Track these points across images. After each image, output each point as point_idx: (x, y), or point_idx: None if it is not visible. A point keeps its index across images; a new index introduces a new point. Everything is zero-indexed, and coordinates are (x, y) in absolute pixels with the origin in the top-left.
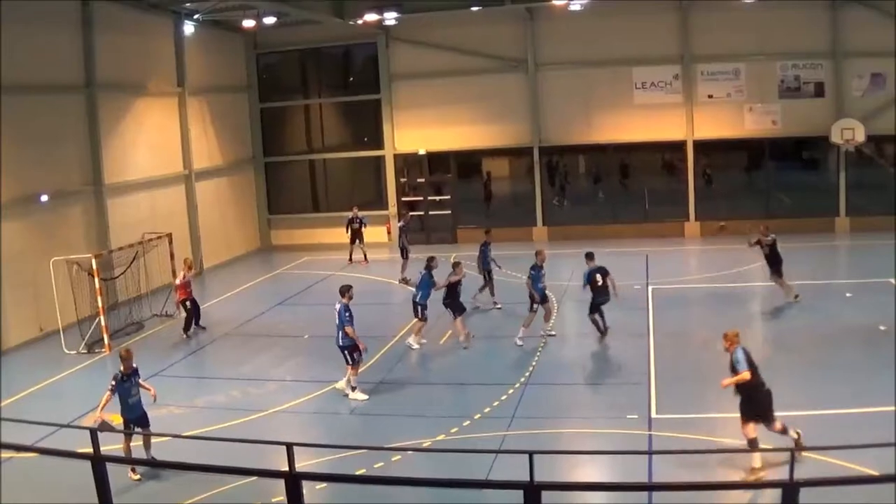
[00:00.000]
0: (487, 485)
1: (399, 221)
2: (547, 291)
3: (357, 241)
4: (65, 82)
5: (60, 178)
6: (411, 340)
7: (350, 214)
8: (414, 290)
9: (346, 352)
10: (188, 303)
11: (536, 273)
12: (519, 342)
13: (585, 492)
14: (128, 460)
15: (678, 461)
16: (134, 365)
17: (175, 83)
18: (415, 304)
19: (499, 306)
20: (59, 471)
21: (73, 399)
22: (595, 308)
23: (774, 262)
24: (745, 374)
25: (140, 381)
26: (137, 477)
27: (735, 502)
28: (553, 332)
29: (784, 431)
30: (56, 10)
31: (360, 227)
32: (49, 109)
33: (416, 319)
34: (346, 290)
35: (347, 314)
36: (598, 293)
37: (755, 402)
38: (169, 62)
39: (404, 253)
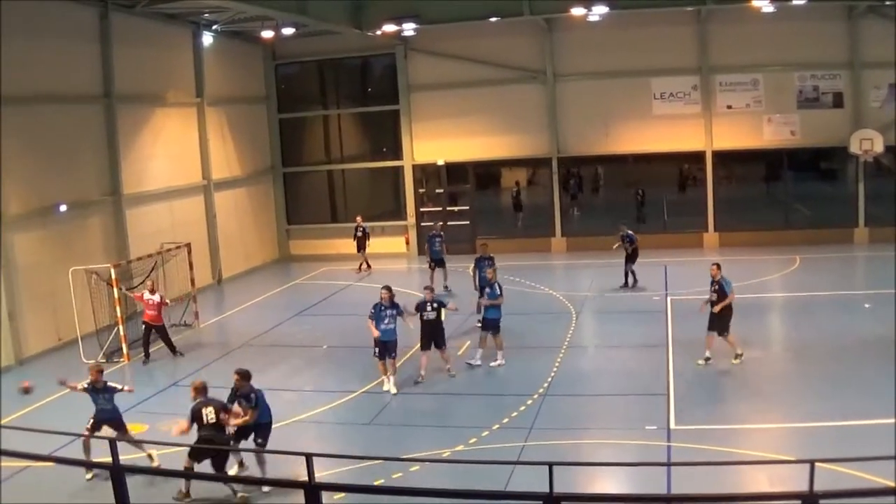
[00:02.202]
0: (507, 496)
1: (431, 231)
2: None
3: (361, 249)
4: (83, 93)
5: (79, 189)
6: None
7: (355, 224)
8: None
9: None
10: (153, 330)
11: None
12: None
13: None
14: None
15: (697, 472)
16: (105, 381)
17: (194, 94)
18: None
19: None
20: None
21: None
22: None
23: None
24: (733, 296)
25: (124, 388)
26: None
27: None
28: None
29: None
30: (75, 22)
31: (364, 235)
32: (67, 120)
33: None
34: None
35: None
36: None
37: (725, 319)
38: (187, 73)
39: (439, 263)
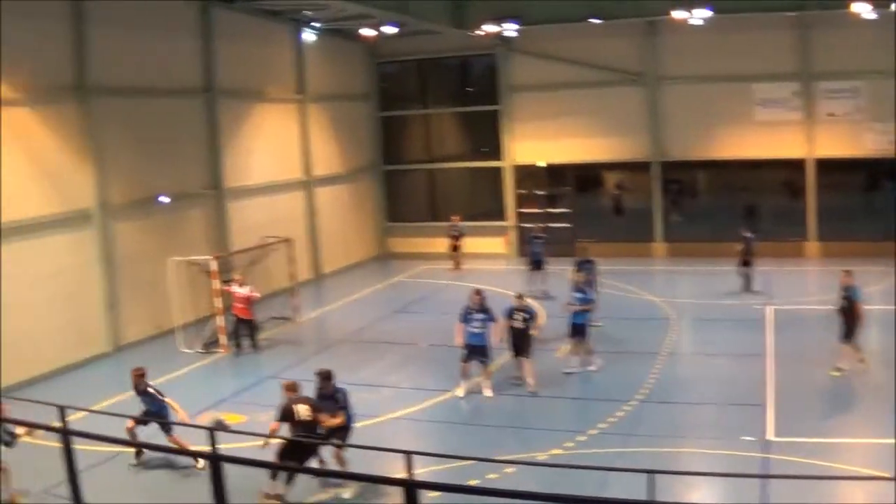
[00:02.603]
0: (604, 502)
1: (533, 232)
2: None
3: (455, 249)
4: (185, 87)
5: (181, 181)
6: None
7: (450, 224)
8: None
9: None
10: (242, 324)
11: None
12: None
13: None
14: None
15: (792, 485)
16: (147, 384)
17: (295, 90)
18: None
19: (600, 324)
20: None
21: (188, 398)
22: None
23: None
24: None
25: (165, 398)
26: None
27: None
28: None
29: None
30: (177, 17)
31: (459, 236)
32: (170, 113)
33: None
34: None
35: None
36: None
37: (852, 327)
38: (289, 69)
39: (538, 265)
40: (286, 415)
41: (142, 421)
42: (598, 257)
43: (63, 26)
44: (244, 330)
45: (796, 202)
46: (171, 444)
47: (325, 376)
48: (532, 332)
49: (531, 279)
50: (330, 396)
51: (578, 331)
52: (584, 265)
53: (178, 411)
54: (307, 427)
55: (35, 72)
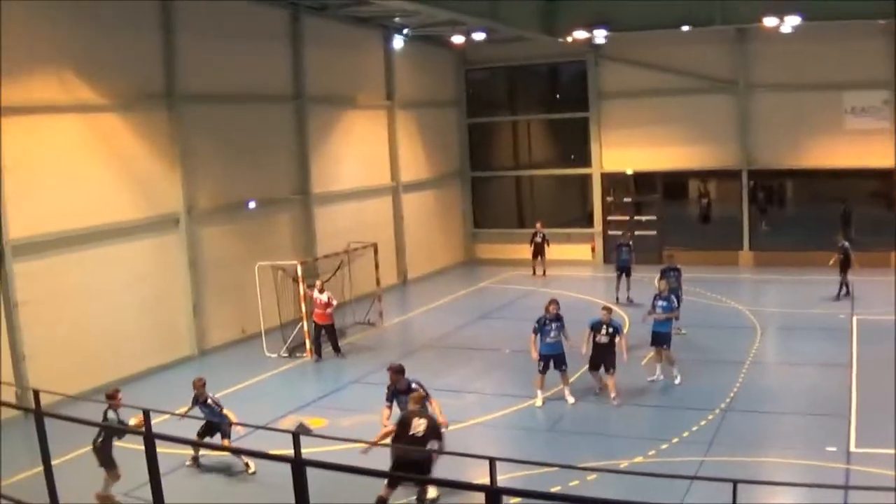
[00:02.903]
0: None
1: (620, 240)
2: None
3: (539, 256)
4: (275, 93)
5: (268, 186)
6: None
7: (533, 230)
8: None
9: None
10: (322, 329)
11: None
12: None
13: None
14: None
15: (875, 497)
16: (207, 394)
17: (384, 96)
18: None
19: (683, 331)
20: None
21: (272, 401)
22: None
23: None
24: None
25: (225, 410)
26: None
27: None
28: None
29: None
30: (268, 24)
31: (543, 242)
32: (259, 119)
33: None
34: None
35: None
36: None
37: None
38: (378, 76)
39: (626, 272)
40: (401, 425)
41: (205, 434)
42: (684, 265)
43: (153, 33)
44: (324, 335)
45: (885, 212)
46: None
47: (398, 370)
48: (619, 347)
49: (618, 286)
50: (405, 391)
51: (662, 339)
52: (670, 273)
53: (234, 421)
54: (416, 444)
55: (125, 78)
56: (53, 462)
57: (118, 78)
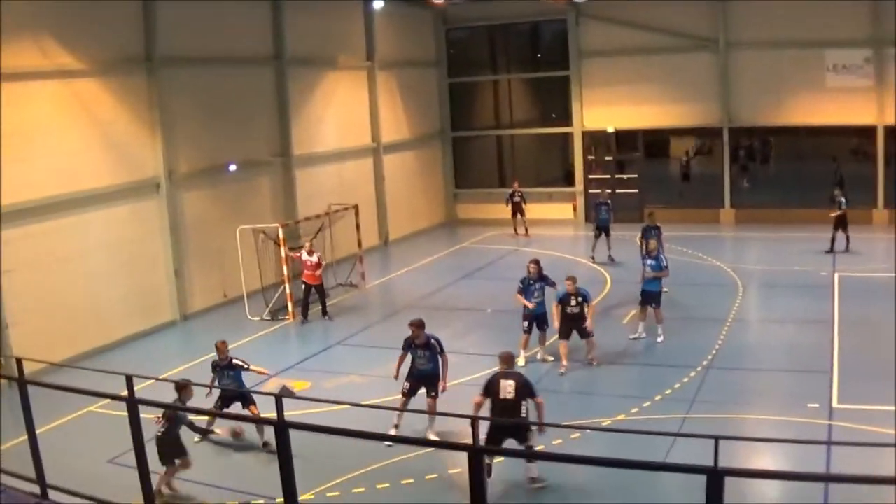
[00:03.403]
0: (669, 468)
1: (599, 198)
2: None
3: (518, 214)
4: (255, 55)
5: (249, 149)
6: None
7: (510, 190)
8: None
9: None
10: (312, 289)
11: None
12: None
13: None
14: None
15: (857, 453)
16: (230, 356)
17: (364, 57)
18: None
19: (665, 290)
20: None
21: (255, 365)
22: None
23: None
24: None
25: (252, 367)
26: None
27: None
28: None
29: None
30: None
31: (521, 201)
32: (239, 81)
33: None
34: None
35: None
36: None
37: None
38: (358, 37)
39: (605, 231)
40: (489, 388)
41: (226, 401)
42: (665, 223)
43: None
44: (314, 296)
45: (866, 170)
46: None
47: (419, 325)
48: (588, 315)
49: (594, 245)
50: (425, 345)
51: (651, 297)
52: (650, 231)
53: (264, 372)
54: (508, 407)
55: (104, 43)
56: (38, 431)
57: (97, 43)
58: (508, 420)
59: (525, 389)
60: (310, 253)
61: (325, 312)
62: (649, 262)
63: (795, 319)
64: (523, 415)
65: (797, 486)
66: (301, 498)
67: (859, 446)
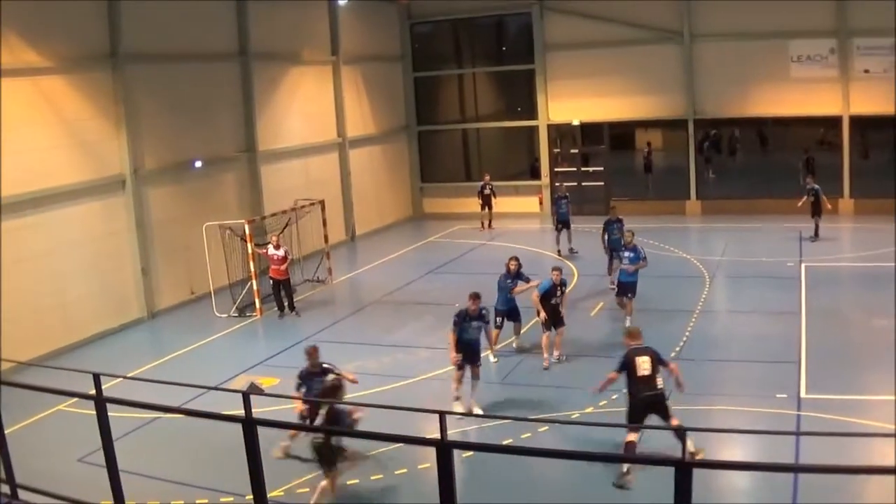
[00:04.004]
0: (638, 460)
1: (558, 193)
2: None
3: (487, 207)
4: (220, 51)
5: (214, 145)
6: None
7: (482, 182)
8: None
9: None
10: (280, 285)
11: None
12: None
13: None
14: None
15: (826, 442)
16: (321, 362)
17: (329, 52)
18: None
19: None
20: (203, 432)
21: (223, 362)
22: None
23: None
24: None
25: (340, 372)
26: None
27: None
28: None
29: None
30: None
31: (491, 194)
32: (204, 77)
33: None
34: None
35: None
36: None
37: None
38: (323, 31)
39: (565, 224)
40: (627, 367)
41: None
42: (632, 215)
43: None
44: (283, 291)
45: (831, 159)
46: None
47: (477, 296)
48: (564, 302)
49: (558, 239)
50: (478, 317)
51: (627, 288)
52: (612, 225)
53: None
54: (646, 381)
55: (69, 40)
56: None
57: (62, 40)
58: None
59: (658, 361)
60: (276, 247)
61: (292, 307)
62: (627, 254)
63: (763, 310)
64: (660, 387)
65: (767, 476)
66: (270, 495)
67: (828, 436)
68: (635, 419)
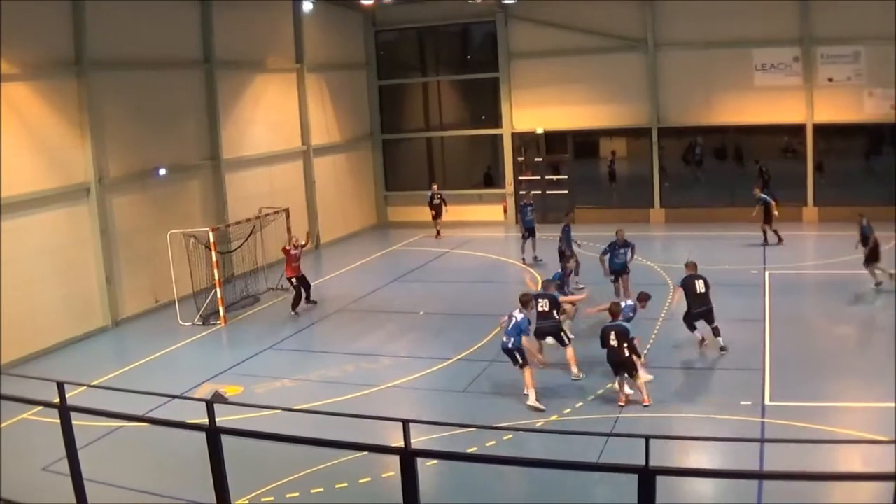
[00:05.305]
0: (601, 468)
1: (523, 201)
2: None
3: (437, 216)
4: (184, 58)
5: (178, 153)
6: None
7: (430, 192)
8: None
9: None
10: (295, 280)
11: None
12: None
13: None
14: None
15: (790, 449)
16: None
17: (293, 60)
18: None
19: (581, 286)
20: (167, 441)
21: (188, 370)
22: (692, 318)
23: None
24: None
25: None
26: None
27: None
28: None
29: None
30: None
31: (441, 203)
32: (168, 85)
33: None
34: (527, 302)
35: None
36: (695, 303)
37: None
38: (287, 39)
39: (531, 232)
40: (686, 287)
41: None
42: (597, 223)
43: (61, 0)
44: (303, 285)
45: (795, 167)
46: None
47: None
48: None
49: (523, 248)
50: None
51: (622, 270)
52: (618, 248)
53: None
54: (701, 297)
55: (33, 46)
56: None
57: (26, 46)
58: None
59: (710, 284)
60: (295, 246)
61: (308, 298)
62: (622, 250)
63: (727, 317)
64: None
65: (731, 484)
66: (234, 503)
67: (792, 443)
68: (689, 323)
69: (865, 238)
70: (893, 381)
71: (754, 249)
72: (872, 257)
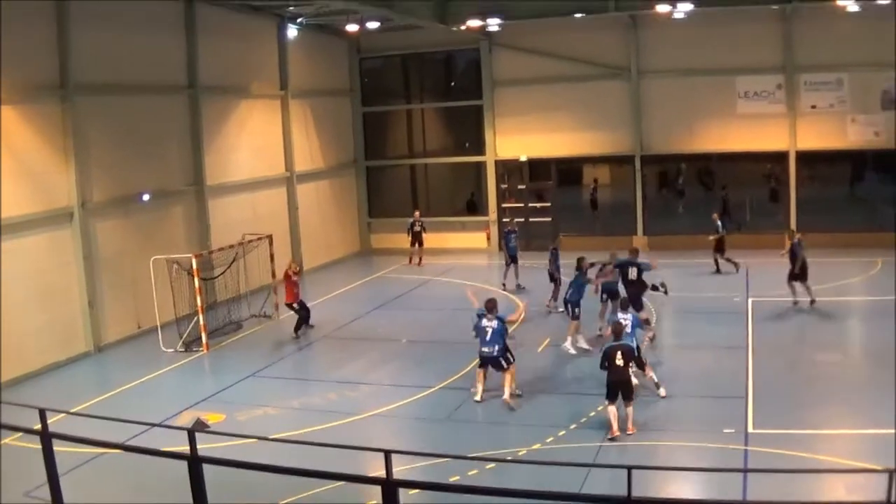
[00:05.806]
0: (584, 498)
1: (507, 228)
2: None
3: (417, 244)
4: (168, 84)
5: (162, 178)
6: (568, 344)
7: (412, 219)
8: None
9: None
10: (296, 304)
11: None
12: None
13: None
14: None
15: (774, 478)
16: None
17: (278, 86)
18: (566, 302)
19: (560, 309)
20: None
21: (170, 397)
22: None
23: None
24: None
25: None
26: None
27: None
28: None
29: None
30: (160, 13)
31: (421, 230)
32: (152, 110)
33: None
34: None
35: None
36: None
37: None
38: (272, 65)
39: (514, 259)
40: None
41: None
42: (580, 251)
43: (46, 25)
44: (304, 309)
45: (779, 194)
46: None
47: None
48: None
49: (506, 274)
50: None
51: (613, 292)
52: (552, 252)
53: None
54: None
55: (18, 70)
56: None
57: (11, 70)
58: None
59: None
60: (295, 273)
61: (307, 322)
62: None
63: (710, 345)
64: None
65: None
66: None
67: (774, 472)
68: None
69: (794, 256)
70: (876, 408)
71: (737, 277)
72: (800, 276)
